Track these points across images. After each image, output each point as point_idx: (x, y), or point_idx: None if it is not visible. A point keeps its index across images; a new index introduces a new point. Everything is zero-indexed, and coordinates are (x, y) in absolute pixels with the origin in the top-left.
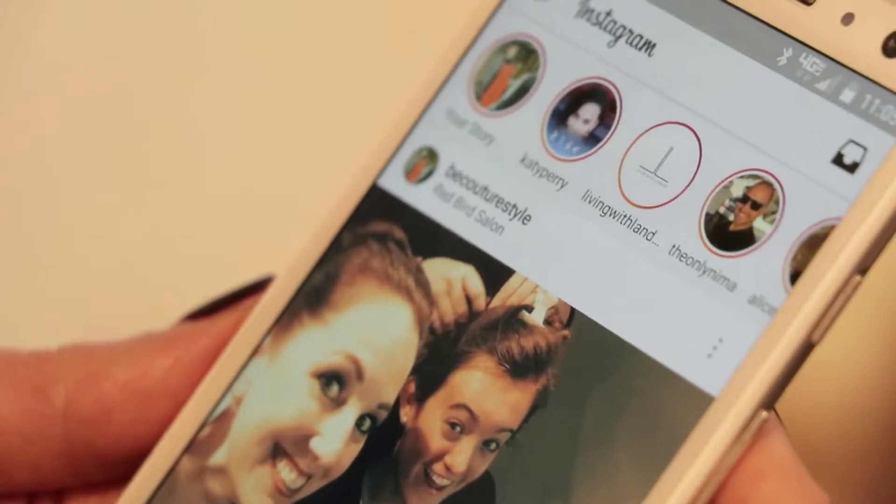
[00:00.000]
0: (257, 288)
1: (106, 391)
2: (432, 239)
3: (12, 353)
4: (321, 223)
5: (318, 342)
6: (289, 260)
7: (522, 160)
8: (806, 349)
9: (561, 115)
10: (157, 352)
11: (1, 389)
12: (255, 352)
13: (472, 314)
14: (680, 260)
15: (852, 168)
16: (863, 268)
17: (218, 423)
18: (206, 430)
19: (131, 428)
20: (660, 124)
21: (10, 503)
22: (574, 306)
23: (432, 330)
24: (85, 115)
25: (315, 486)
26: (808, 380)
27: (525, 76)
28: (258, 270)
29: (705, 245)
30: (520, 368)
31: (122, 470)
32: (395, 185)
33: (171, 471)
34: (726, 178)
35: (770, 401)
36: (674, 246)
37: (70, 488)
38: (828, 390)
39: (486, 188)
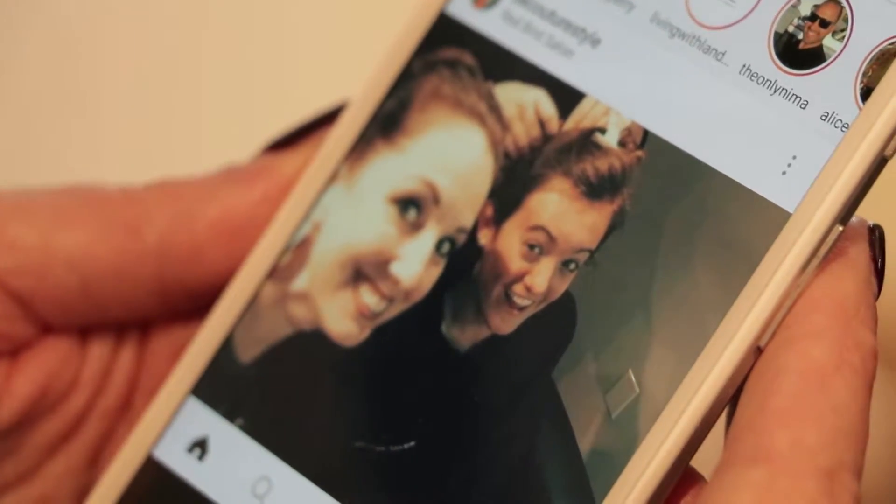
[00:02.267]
0: (334, 115)
1: (198, 231)
2: (502, 64)
3: (102, 190)
4: (390, 51)
5: (394, 168)
6: (359, 88)
7: None
8: (880, 163)
9: None
10: (243, 186)
11: (95, 229)
12: (332, 179)
13: (546, 137)
14: (751, 79)
15: None
16: None
17: (298, 249)
18: (287, 257)
19: (222, 263)
20: None
21: (102, 333)
22: (647, 127)
23: (507, 154)
24: None
25: (397, 308)
26: (881, 194)
27: None
28: (331, 98)
29: (775, 64)
30: (596, 189)
31: (209, 301)
32: (463, 11)
33: (254, 297)
34: None
35: (846, 215)
36: (744, 65)
37: (156, 318)
38: None
39: (553, 13)
